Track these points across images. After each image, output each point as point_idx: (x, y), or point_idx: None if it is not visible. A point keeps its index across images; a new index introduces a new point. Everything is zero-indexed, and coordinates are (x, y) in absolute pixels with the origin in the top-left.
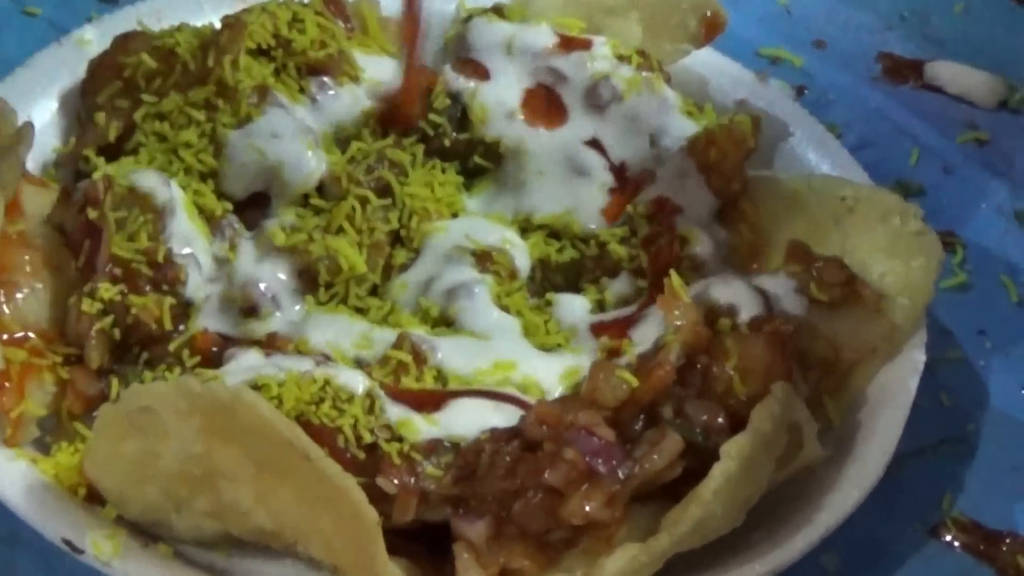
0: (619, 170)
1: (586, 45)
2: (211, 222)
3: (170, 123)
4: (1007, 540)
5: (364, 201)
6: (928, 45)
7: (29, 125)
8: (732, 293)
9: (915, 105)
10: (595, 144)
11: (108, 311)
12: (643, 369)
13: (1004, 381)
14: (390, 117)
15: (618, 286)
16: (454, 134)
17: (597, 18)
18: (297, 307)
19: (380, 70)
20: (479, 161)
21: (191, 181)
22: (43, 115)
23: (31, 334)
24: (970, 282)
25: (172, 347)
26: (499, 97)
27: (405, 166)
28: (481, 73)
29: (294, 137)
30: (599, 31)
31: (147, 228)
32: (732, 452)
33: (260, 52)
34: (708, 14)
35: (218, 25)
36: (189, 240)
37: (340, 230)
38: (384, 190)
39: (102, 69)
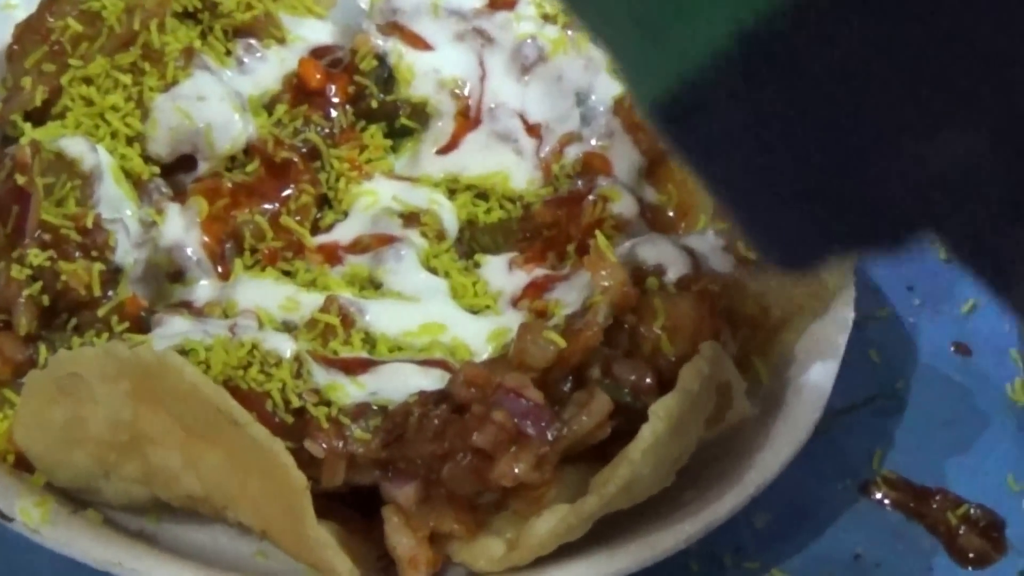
0: (544, 130)
1: (511, 5)
2: (138, 186)
3: (96, 87)
4: (937, 497)
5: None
6: None
7: None
8: (659, 252)
9: None
10: (520, 104)
11: (37, 277)
12: (570, 330)
13: (933, 337)
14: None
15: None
16: (381, 96)
17: None
18: (219, 270)
19: (307, 32)
20: (406, 122)
21: (118, 145)
22: None
23: None
24: None
25: (101, 313)
26: (426, 58)
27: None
28: (407, 36)
29: (221, 100)
30: None
31: (75, 194)
32: (660, 412)
33: (186, 15)
34: None
35: None
36: (117, 205)
37: None
38: (311, 152)
39: (28, 33)
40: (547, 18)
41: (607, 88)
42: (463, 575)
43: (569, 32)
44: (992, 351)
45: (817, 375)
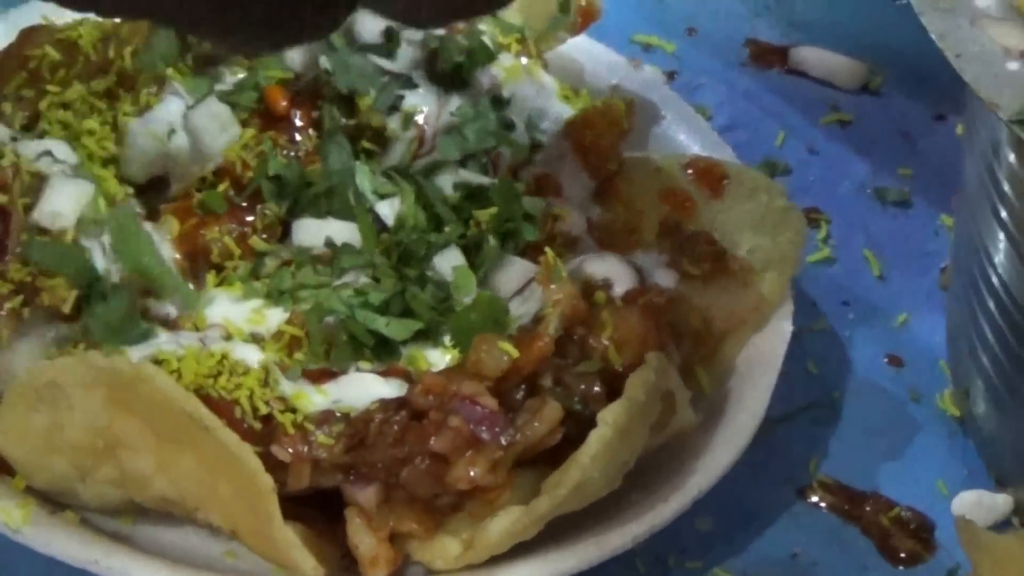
0: (496, 154)
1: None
2: (113, 206)
3: (73, 112)
4: (870, 501)
5: (256, 187)
6: (793, 31)
7: None
8: (607, 268)
9: (781, 89)
10: None
11: (18, 291)
12: (523, 341)
13: (866, 350)
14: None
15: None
16: (343, 121)
17: None
18: (193, 286)
19: (274, 58)
20: (366, 145)
21: (94, 167)
22: None
23: None
24: (834, 256)
25: (78, 326)
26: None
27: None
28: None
29: (193, 124)
30: (480, 20)
31: (42, 206)
32: (609, 419)
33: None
34: (583, 3)
35: (118, 19)
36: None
37: None
38: (275, 179)
39: (8, 61)
40: (501, 46)
41: (558, 112)
42: (421, 574)
43: (523, 59)
44: (923, 363)
45: (757, 385)
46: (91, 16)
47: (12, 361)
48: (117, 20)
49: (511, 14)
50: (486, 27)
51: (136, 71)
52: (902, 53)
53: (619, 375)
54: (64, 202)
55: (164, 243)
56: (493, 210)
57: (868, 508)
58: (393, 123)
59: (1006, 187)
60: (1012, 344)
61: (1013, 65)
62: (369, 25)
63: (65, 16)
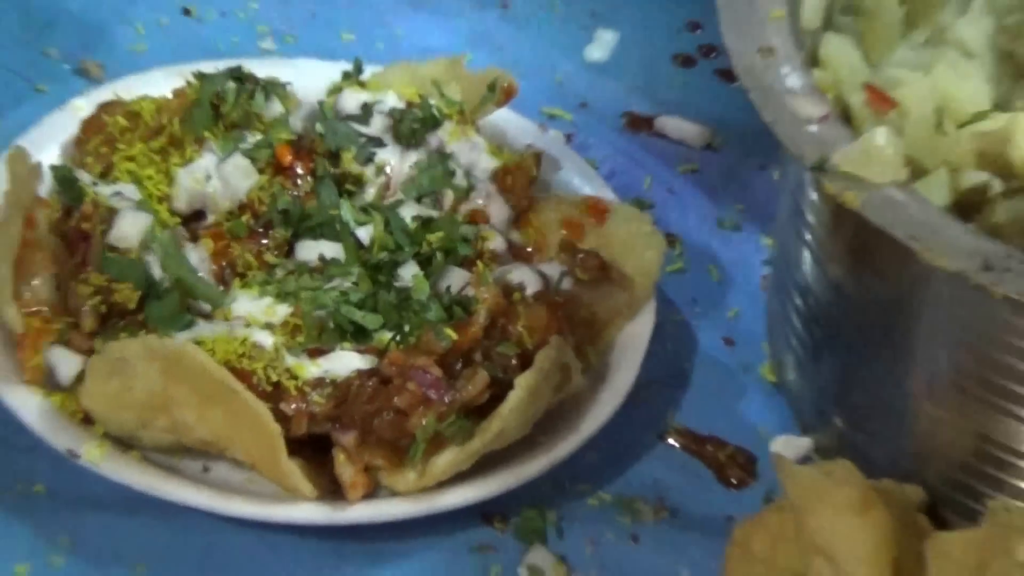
0: (442, 195)
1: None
2: (165, 232)
3: (137, 163)
4: (711, 442)
5: (269, 218)
6: (657, 106)
7: (39, 164)
8: (521, 275)
9: (648, 147)
10: None
11: (97, 292)
12: (461, 328)
13: (708, 334)
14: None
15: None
16: (332, 170)
17: (427, 87)
18: (222, 289)
19: (281, 124)
20: (349, 187)
21: (152, 203)
22: (50, 158)
23: (43, 308)
24: (685, 267)
25: (140, 318)
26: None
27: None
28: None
29: (222, 173)
30: (429, 96)
31: (111, 230)
32: (522, 383)
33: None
34: (505, 84)
35: (170, 95)
36: (152, 242)
37: None
38: (282, 212)
39: (90, 127)
40: (446, 116)
41: (487, 163)
42: (387, 495)
43: (461, 125)
44: (749, 344)
45: (629, 359)
46: (149, 94)
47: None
48: (168, 96)
49: (452, 92)
50: (434, 101)
51: (182, 134)
52: (736, 121)
53: (530, 352)
54: (130, 229)
55: (202, 258)
56: (440, 234)
57: (709, 447)
58: (368, 172)
59: (808, 216)
60: (811, 329)
61: (812, 128)
62: (351, 101)
63: (131, 93)
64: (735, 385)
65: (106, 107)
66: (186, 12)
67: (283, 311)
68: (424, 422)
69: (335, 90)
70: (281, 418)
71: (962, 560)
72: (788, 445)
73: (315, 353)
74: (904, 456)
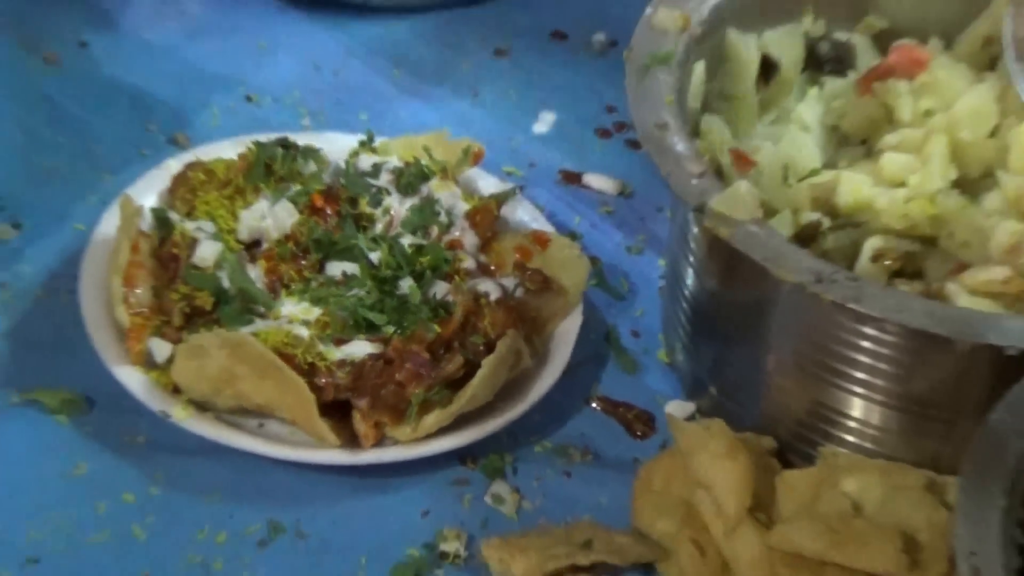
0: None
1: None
2: (231, 254)
3: (211, 206)
4: (622, 406)
5: (306, 245)
6: (584, 165)
7: (142, 207)
8: (486, 286)
9: (577, 195)
10: None
11: (183, 299)
12: (443, 324)
13: (622, 329)
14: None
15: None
16: (352, 210)
17: (420, 152)
18: (272, 293)
19: (315, 178)
20: (364, 224)
21: (222, 235)
22: (149, 202)
23: (144, 310)
24: (603, 281)
25: (214, 316)
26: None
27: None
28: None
29: (273, 213)
30: (421, 158)
31: (194, 254)
32: (487, 364)
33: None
34: (475, 150)
35: (236, 158)
36: (222, 263)
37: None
38: (316, 240)
39: (178, 180)
40: (433, 172)
41: (462, 207)
42: (391, 443)
43: (445, 180)
44: (650, 335)
45: (563, 346)
46: (222, 155)
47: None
48: (236, 158)
49: (438, 156)
50: (425, 162)
51: (244, 185)
52: (640, 176)
53: (492, 341)
54: (207, 253)
55: (258, 274)
56: (429, 257)
57: (621, 409)
58: (377, 212)
59: (691, 243)
60: (693, 325)
61: (695, 181)
62: (365, 162)
63: (209, 156)
64: (640, 365)
65: (190, 166)
66: (248, 99)
67: (316, 312)
68: (417, 391)
69: (354, 154)
70: (314, 388)
71: (802, 491)
72: (678, 408)
73: (339, 342)
74: (760, 416)
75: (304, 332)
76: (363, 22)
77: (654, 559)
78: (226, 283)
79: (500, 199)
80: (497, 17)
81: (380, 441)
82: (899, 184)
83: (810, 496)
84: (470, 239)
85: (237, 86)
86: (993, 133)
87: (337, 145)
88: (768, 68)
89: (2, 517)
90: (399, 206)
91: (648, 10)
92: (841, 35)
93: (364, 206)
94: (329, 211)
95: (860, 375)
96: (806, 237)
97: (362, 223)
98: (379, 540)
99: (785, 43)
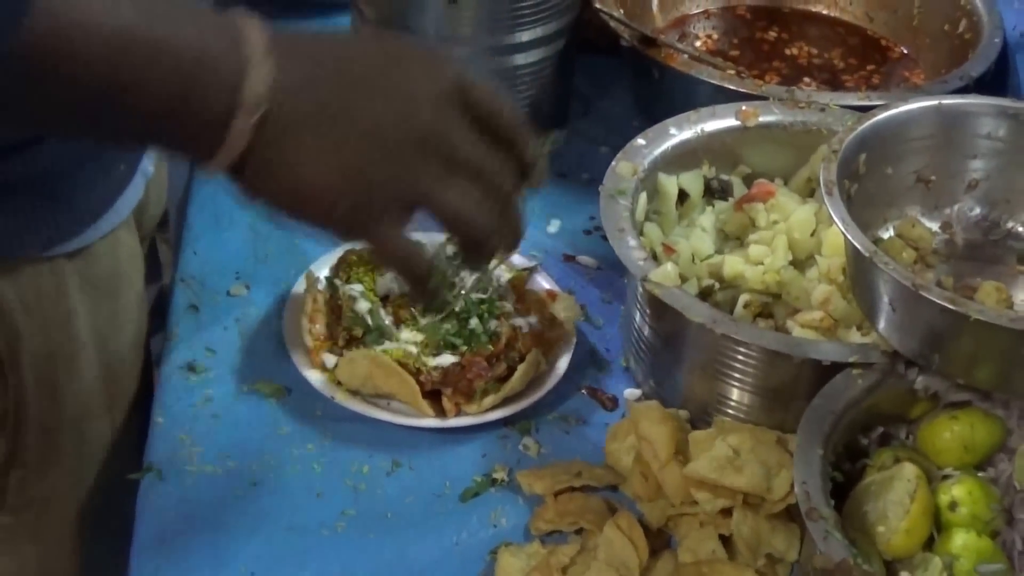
0: None
1: None
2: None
3: (361, 274)
4: (600, 390)
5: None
6: (577, 251)
7: (318, 277)
8: (520, 322)
9: (573, 268)
10: None
11: (345, 330)
12: (495, 345)
13: (598, 347)
14: None
15: None
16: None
17: None
18: (395, 327)
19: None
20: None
21: (368, 294)
22: (324, 273)
23: (321, 337)
24: (588, 319)
25: (364, 341)
26: None
27: None
28: None
29: (396, 280)
30: None
31: (350, 304)
32: (521, 369)
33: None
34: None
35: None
36: (367, 310)
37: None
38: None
39: (341, 260)
40: None
41: (505, 276)
42: (464, 416)
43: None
44: (616, 350)
45: (565, 357)
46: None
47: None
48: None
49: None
50: None
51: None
52: (610, 259)
53: (523, 355)
54: (360, 306)
55: (388, 315)
56: (486, 306)
57: (598, 394)
58: (457, 280)
59: (639, 298)
60: (640, 345)
61: (640, 262)
62: (449, 250)
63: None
64: (609, 368)
65: (348, 251)
66: None
67: (420, 337)
68: (480, 384)
69: (443, 245)
70: (419, 383)
71: (703, 443)
72: (631, 394)
73: (433, 355)
74: (680, 400)
75: (414, 350)
76: None
77: (619, 483)
78: (370, 321)
79: (527, 271)
80: None
81: (458, 413)
82: (759, 263)
83: (708, 446)
84: (508, 296)
85: None
86: (812, 234)
87: (431, 240)
88: (683, 196)
89: (237, 457)
90: (469, 275)
91: (613, 163)
92: (724, 176)
93: (449, 276)
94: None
95: (737, 375)
96: (705, 295)
97: (447, 283)
98: (456, 472)
99: (692, 181)
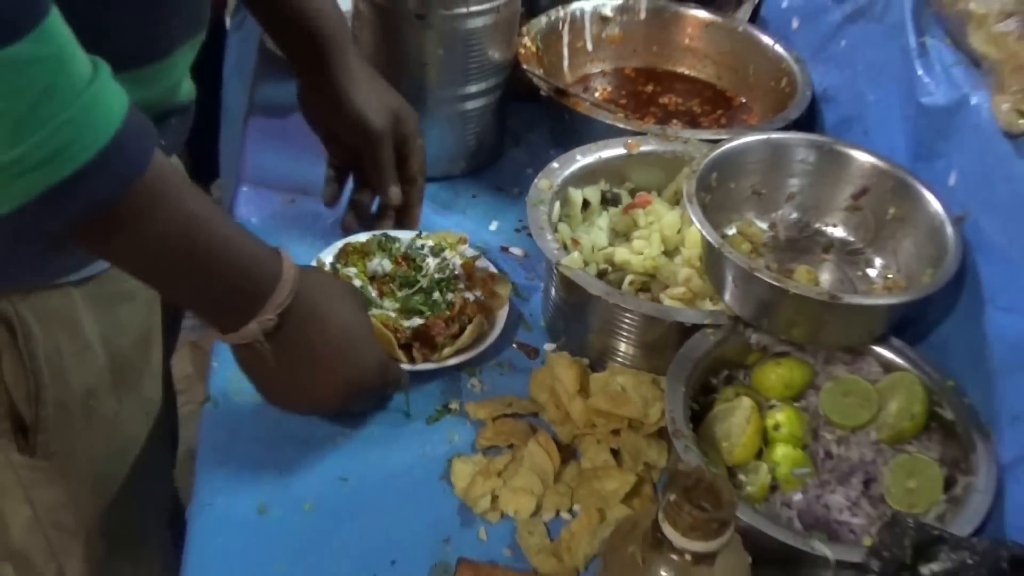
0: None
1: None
2: (364, 281)
3: (353, 261)
4: (526, 345)
5: (393, 277)
6: (509, 242)
7: (324, 262)
8: (469, 295)
9: (507, 257)
10: None
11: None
12: (451, 311)
13: (525, 312)
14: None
15: None
16: (412, 263)
17: (441, 239)
18: (380, 299)
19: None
20: (417, 268)
21: (360, 273)
22: (329, 259)
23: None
24: (517, 293)
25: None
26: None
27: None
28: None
29: (381, 264)
30: (441, 242)
31: (348, 281)
32: (469, 329)
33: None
34: (463, 238)
35: (366, 240)
36: (359, 286)
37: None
38: (398, 276)
39: (342, 249)
40: (446, 247)
41: (458, 261)
42: (428, 362)
43: (451, 251)
44: (538, 315)
45: (501, 320)
46: (361, 239)
47: None
48: (366, 241)
49: (449, 240)
50: (444, 243)
51: (371, 251)
52: (533, 249)
53: (471, 319)
54: (355, 283)
55: (375, 291)
56: (445, 283)
57: (525, 345)
58: (424, 264)
59: (555, 276)
60: (555, 312)
61: (555, 251)
62: (418, 243)
63: (355, 239)
64: (532, 328)
65: (347, 244)
66: None
67: (397, 305)
68: (440, 339)
69: (413, 240)
70: (396, 338)
71: (601, 382)
72: (549, 347)
73: (406, 318)
74: (584, 350)
75: (392, 314)
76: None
77: (539, 411)
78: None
79: (474, 258)
80: (474, 181)
81: (424, 360)
82: (640, 253)
83: (603, 385)
84: (462, 275)
85: None
86: (678, 231)
87: (406, 236)
88: (585, 204)
89: (326, 456)
90: (432, 261)
91: (536, 180)
92: (616, 190)
93: (418, 262)
94: (404, 264)
95: (624, 333)
96: (601, 275)
97: (416, 267)
98: (425, 401)
99: (592, 193)
